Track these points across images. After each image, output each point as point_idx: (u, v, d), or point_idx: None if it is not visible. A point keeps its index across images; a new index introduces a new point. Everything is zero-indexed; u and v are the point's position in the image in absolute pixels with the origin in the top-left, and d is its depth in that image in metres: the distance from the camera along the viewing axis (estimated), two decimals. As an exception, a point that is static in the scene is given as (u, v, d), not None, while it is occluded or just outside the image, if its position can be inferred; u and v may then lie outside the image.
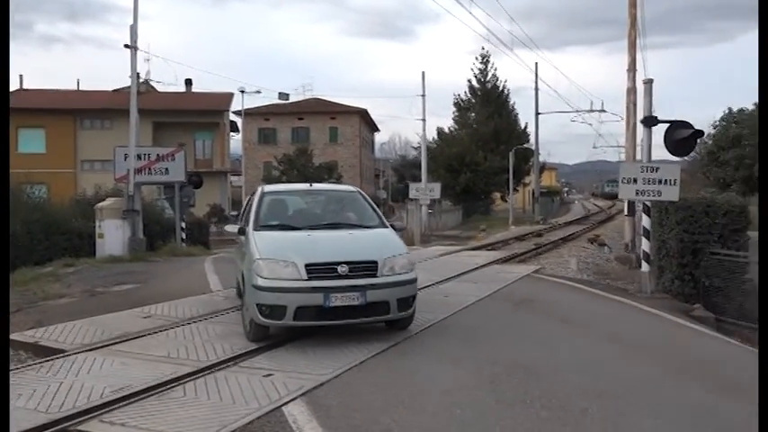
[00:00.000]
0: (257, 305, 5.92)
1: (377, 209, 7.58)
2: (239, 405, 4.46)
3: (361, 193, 7.89)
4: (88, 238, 15.12)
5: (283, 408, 4.42)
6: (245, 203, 15.83)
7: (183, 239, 17.94)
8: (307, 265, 5.90)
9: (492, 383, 5.01)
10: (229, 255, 17.24)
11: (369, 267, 6.06)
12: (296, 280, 5.89)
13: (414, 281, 6.37)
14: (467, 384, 4.99)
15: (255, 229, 6.72)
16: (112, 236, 14.58)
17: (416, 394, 4.72)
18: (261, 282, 5.93)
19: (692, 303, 9.82)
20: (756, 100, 24.60)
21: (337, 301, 5.85)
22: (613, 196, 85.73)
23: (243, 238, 6.97)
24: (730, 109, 24.68)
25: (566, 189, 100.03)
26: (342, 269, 5.92)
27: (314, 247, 6.27)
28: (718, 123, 24.54)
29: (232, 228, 7.46)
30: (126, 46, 15.32)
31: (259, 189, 7.66)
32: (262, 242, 6.35)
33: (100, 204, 15.37)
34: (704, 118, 33.95)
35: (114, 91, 43.16)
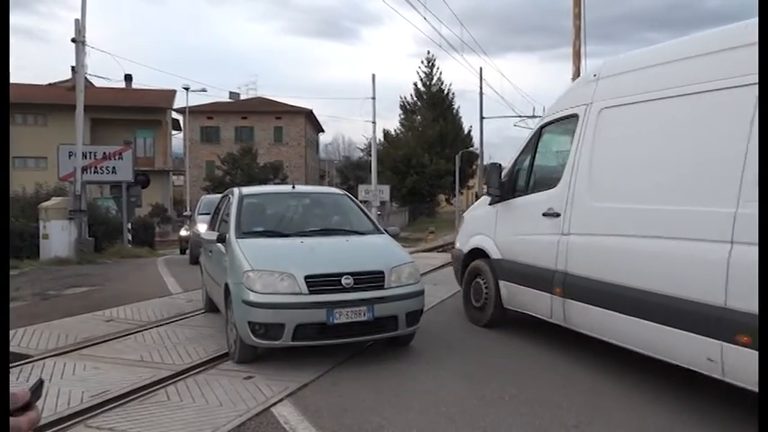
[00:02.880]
0: (249, 323, 5.25)
1: (369, 213, 7.08)
2: (227, 407, 4.46)
3: (349, 196, 7.30)
4: (30, 238, 14.50)
5: (272, 409, 4.46)
6: (199, 206, 15.73)
7: (129, 240, 17.52)
8: (306, 277, 5.28)
9: (470, 382, 5.18)
10: (179, 257, 17.10)
11: (375, 278, 5.51)
12: (295, 294, 5.25)
13: (422, 292, 5.88)
14: (446, 383, 5.14)
15: (239, 237, 5.99)
16: (58, 237, 14.08)
17: (401, 394, 4.83)
18: (254, 297, 5.25)
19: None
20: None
21: (342, 317, 5.26)
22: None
23: (220, 245, 6.28)
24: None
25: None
26: (346, 281, 5.33)
27: (311, 256, 5.68)
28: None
29: (210, 235, 6.75)
30: (73, 40, 14.82)
31: (235, 191, 6.96)
32: (250, 251, 5.65)
33: (44, 204, 14.80)
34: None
35: (49, 85, 41.45)
